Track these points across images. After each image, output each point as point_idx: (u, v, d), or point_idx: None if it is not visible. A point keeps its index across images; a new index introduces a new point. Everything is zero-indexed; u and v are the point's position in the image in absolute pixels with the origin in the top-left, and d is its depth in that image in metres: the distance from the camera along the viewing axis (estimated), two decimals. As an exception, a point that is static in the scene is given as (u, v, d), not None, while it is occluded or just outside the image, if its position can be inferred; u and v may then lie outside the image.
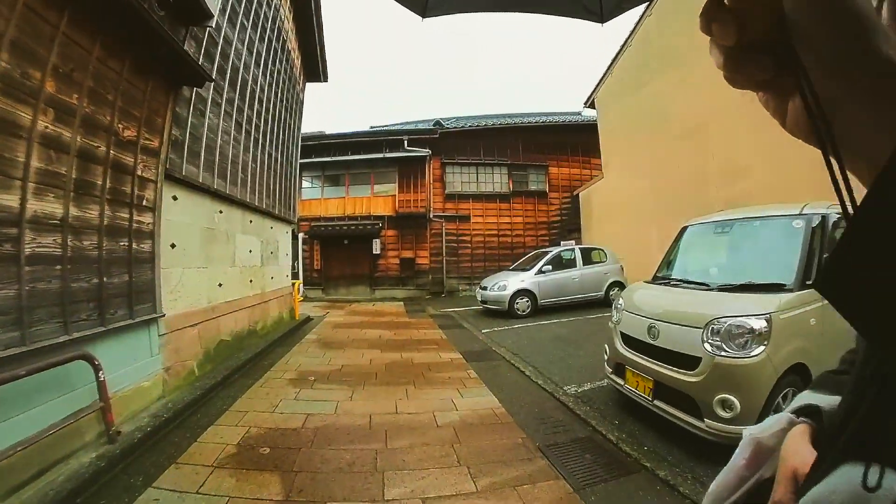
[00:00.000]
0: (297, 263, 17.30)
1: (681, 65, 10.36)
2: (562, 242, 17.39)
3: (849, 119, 0.34)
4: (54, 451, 3.25)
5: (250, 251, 7.51)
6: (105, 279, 3.79)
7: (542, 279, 11.55)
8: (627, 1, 1.75)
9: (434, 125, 17.94)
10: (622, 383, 4.36)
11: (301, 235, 17.34)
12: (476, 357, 6.94)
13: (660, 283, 4.95)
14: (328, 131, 18.76)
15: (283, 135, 9.48)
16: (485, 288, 11.70)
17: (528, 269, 11.86)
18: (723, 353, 3.24)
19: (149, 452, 3.62)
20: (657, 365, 3.83)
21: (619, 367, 4.44)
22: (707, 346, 3.37)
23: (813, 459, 0.53)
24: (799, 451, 0.57)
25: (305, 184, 18.26)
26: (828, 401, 0.61)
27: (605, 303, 12.20)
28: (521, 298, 11.16)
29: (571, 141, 19.48)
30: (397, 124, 17.99)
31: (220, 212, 6.35)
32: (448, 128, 18.12)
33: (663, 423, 3.77)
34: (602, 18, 1.68)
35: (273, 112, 8.68)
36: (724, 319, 3.31)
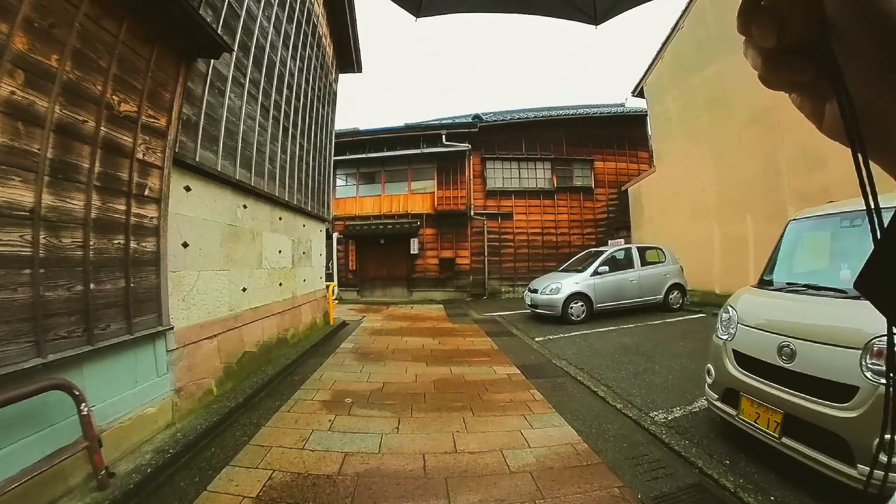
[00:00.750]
0: (332, 264, 16.77)
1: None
2: (609, 242, 16.48)
3: (889, 124, 0.35)
4: (28, 501, 2.52)
5: (280, 251, 6.79)
6: (93, 286, 3.05)
7: (598, 281, 10.49)
8: (621, 4, 1.69)
9: (473, 118, 17.04)
10: (735, 414, 3.36)
11: (335, 235, 16.78)
12: (536, 372, 5.99)
13: (776, 289, 3.87)
14: (362, 128, 18.12)
15: (316, 126, 8.77)
16: (535, 291, 10.70)
17: (582, 271, 10.82)
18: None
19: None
20: (790, 394, 2.90)
21: (731, 395, 3.46)
22: (868, 372, 2.48)
23: None
24: None
25: (340, 182, 17.72)
26: None
27: (664, 307, 11.18)
28: (576, 302, 10.13)
29: (618, 133, 18.40)
30: (433, 120, 17.22)
31: (245, 206, 5.62)
32: (487, 121, 17.19)
33: (790, 465, 2.88)
34: (596, 21, 1.66)
35: (304, 100, 7.95)
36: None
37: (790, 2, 0.34)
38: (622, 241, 15.91)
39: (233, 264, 5.29)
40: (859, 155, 0.35)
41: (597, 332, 8.96)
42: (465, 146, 16.51)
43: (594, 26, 1.69)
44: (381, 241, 16.82)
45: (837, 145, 0.37)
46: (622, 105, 18.64)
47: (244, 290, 5.54)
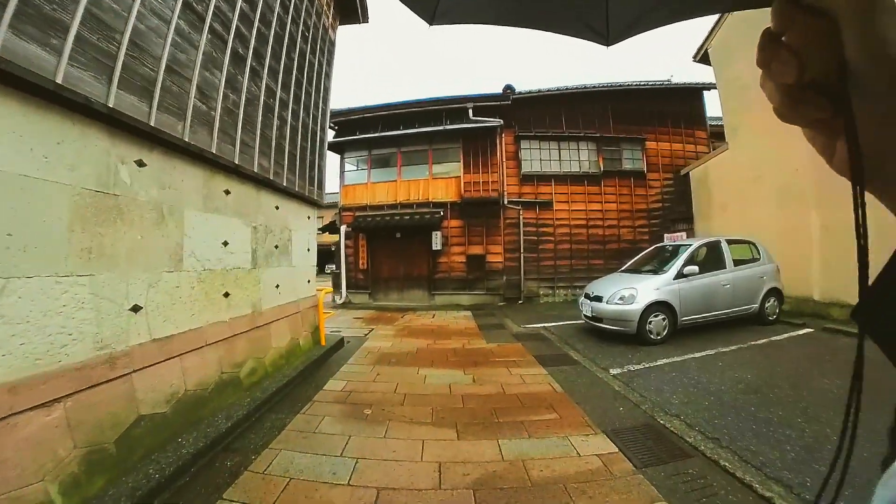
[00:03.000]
0: (340, 262, 14.52)
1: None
2: (666, 236, 13.84)
3: None
4: None
5: (225, 244, 4.38)
6: None
7: (684, 286, 7.84)
8: (635, 26, 1.61)
9: (505, 89, 14.46)
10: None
11: (343, 228, 14.47)
12: (643, 448, 3.54)
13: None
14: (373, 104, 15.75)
15: (300, 74, 6.36)
16: (597, 298, 8.08)
17: (657, 272, 8.23)
18: None
19: None
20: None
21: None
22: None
23: None
24: None
25: (349, 167, 15.42)
26: None
27: (758, 319, 8.62)
28: (656, 315, 7.51)
29: (671, 109, 15.64)
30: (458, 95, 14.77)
31: (140, 164, 3.24)
32: (522, 93, 14.58)
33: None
34: (608, 41, 1.60)
35: (281, 33, 5.58)
36: None
37: (811, 41, 0.36)
38: (683, 234, 13.34)
39: (107, 264, 2.91)
40: (859, 195, 0.37)
41: (692, 358, 6.45)
42: (496, 121, 13.94)
43: (606, 47, 1.65)
44: (396, 234, 14.40)
45: None
46: (668, 81, 15.89)
47: (135, 309, 3.16)
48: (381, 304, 14.06)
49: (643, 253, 10.06)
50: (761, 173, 11.11)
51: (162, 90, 3.39)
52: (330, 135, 15.14)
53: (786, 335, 7.78)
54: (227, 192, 4.45)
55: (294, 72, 6.12)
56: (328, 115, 7.96)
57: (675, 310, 7.65)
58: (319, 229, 21.56)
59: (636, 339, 7.41)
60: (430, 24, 1.64)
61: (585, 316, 8.42)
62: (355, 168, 15.52)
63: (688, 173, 15.08)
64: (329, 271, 16.26)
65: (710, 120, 16.15)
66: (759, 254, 9.00)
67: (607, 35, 1.59)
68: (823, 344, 7.12)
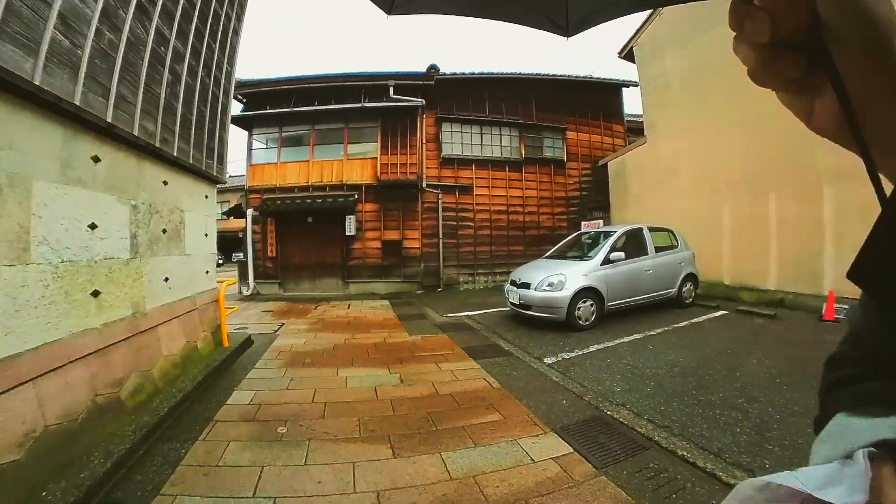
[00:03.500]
0: (246, 249, 13.23)
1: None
2: (584, 223, 14.22)
3: (880, 118, 0.36)
4: None
5: (93, 227, 3.39)
6: None
7: (611, 272, 7.94)
8: (594, 18, 1.64)
9: (429, 69, 13.79)
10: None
11: (250, 212, 13.14)
12: (596, 443, 3.42)
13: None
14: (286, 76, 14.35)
15: (205, 27, 5.29)
16: (525, 285, 7.85)
17: (584, 258, 8.24)
18: None
19: None
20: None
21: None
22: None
23: None
24: None
25: (257, 144, 14.01)
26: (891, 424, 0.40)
27: (676, 302, 9.04)
28: (584, 301, 7.51)
29: (591, 102, 16.22)
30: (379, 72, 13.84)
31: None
32: (446, 74, 14.01)
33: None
34: (567, 33, 1.64)
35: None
36: None
37: None
38: (600, 222, 13.87)
39: None
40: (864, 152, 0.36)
41: (623, 343, 6.53)
42: (418, 101, 13.27)
43: (566, 38, 1.70)
44: (308, 219, 13.30)
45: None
46: (589, 77, 16.29)
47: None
48: (292, 295, 12.96)
49: (567, 239, 10.08)
50: (677, 167, 11.73)
51: (5, 10, 2.41)
52: (237, 108, 13.73)
53: (704, 317, 8.20)
54: (97, 160, 3.43)
55: (195, 19, 5.05)
56: (234, 79, 6.84)
57: (602, 295, 7.72)
58: (223, 213, 19.53)
59: (565, 325, 7.37)
60: (388, 14, 1.60)
61: (512, 303, 8.21)
62: (264, 146, 14.08)
63: (606, 164, 15.59)
64: (236, 260, 14.75)
65: (626, 116, 17.07)
66: (676, 241, 9.43)
67: (567, 26, 1.61)
68: (740, 324, 7.62)
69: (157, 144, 4.32)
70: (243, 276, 13.43)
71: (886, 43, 0.33)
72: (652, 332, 7.07)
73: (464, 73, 14.39)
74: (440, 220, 13.84)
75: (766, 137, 9.05)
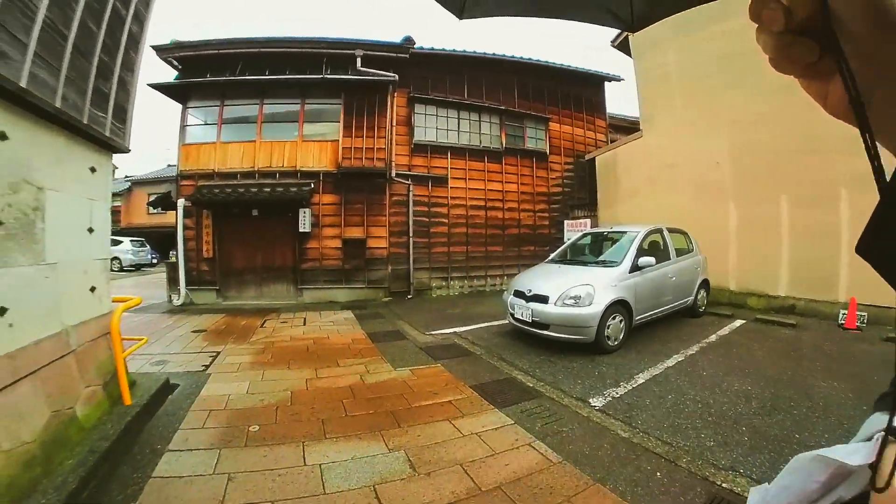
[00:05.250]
0: (176, 248, 10.92)
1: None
2: (566, 222, 13.08)
3: (884, 101, 0.38)
4: None
5: None
6: None
7: (639, 280, 6.54)
8: (659, 11, 1.65)
9: (403, 41, 11.78)
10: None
11: (181, 202, 10.79)
12: None
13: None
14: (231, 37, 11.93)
15: None
16: (539, 299, 6.14)
17: (610, 264, 6.70)
18: None
19: None
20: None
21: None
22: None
23: None
24: None
25: (193, 119, 11.55)
26: None
27: (690, 312, 8.12)
28: (614, 317, 6.00)
29: (575, 93, 15.01)
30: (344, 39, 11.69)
31: None
32: (423, 49, 12.08)
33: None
34: (633, 27, 1.61)
35: None
36: None
37: None
38: (587, 221, 12.60)
39: None
40: (867, 137, 0.38)
41: (668, 368, 5.30)
42: (390, 76, 11.22)
43: (632, 33, 2.32)
44: (253, 211, 11.00)
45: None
46: (574, 67, 15.01)
47: None
48: (233, 305, 10.61)
49: (572, 240, 8.52)
50: (677, 162, 10.92)
51: None
52: (171, 75, 11.32)
53: (727, 329, 7.31)
54: None
55: None
56: (153, 4, 4.68)
57: (631, 308, 6.26)
58: (149, 204, 16.42)
59: (594, 347, 5.82)
60: (460, 18, 1.62)
61: (519, 321, 6.51)
62: (202, 122, 11.60)
63: (592, 159, 14.55)
64: (167, 261, 12.23)
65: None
66: (692, 244, 8.35)
67: (632, 20, 1.58)
68: (769, 337, 6.82)
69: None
70: (173, 282, 11.01)
71: (889, 26, 0.35)
72: (689, 351, 5.94)
73: (443, 50, 12.51)
74: (410, 216, 11.92)
75: (775, 137, 8.48)
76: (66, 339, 3.24)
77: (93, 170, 3.71)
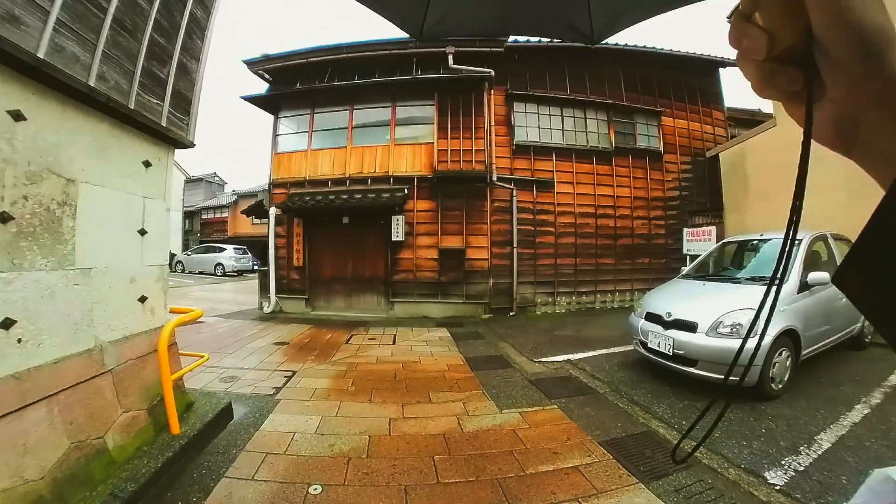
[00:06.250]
0: (267, 256, 11.06)
1: None
2: (686, 231, 11.54)
3: (871, 128, 0.38)
4: None
5: None
6: None
7: (810, 303, 5.05)
8: (618, 23, 1.68)
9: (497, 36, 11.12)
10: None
11: (273, 210, 10.93)
12: None
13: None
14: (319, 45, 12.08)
15: None
16: (683, 325, 4.89)
17: (767, 282, 5.23)
18: None
19: None
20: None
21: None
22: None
23: None
24: None
25: (284, 129, 11.80)
26: None
27: (854, 343, 6.32)
28: (780, 352, 4.62)
29: (688, 82, 13.28)
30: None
31: None
32: (518, 41, 11.33)
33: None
34: (593, 40, 1.68)
35: None
36: None
37: (778, 14, 0.37)
38: (713, 229, 10.80)
39: None
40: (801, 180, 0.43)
41: (854, 426, 3.92)
42: (485, 71, 10.60)
43: (591, 46, 1.82)
44: (344, 219, 10.91)
45: None
46: (687, 52, 13.36)
47: None
48: (321, 316, 10.52)
49: (708, 251, 7.09)
50: (825, 154, 8.53)
51: None
52: (262, 87, 11.73)
53: None
54: None
55: None
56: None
57: (799, 339, 4.81)
58: (243, 212, 17.43)
59: (756, 392, 4.47)
60: (419, 39, 1.66)
61: (653, 352, 5.30)
62: (293, 131, 11.83)
63: (714, 156, 12.67)
64: (264, 268, 12.64)
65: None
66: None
67: (591, 34, 1.63)
68: None
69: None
70: (264, 289, 11.20)
71: (878, 55, 0.34)
72: (873, 399, 4.50)
73: (540, 41, 11.64)
74: (514, 224, 11.04)
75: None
76: (100, 357, 2.86)
77: (147, 164, 3.39)
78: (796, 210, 0.50)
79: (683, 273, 6.69)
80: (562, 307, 11.35)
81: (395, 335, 8.35)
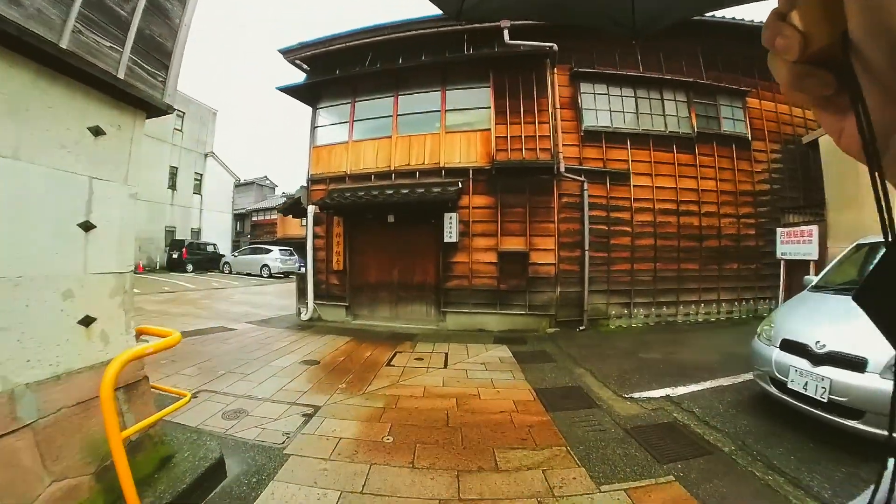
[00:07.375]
0: (305, 258, 10.40)
1: None
2: (780, 231, 9.92)
3: None
4: None
5: None
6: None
7: None
8: (661, 19, 1.71)
9: (558, 4, 9.96)
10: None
11: (311, 209, 10.18)
12: None
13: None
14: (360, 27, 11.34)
15: None
16: (842, 360, 3.48)
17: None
18: None
19: None
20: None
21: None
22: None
23: None
24: None
25: (322, 120, 11.10)
26: None
27: None
28: None
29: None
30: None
31: None
32: (583, 11, 10.10)
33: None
34: (634, 35, 1.70)
35: None
36: None
37: (815, 15, 0.35)
38: (814, 229, 9.09)
39: None
40: (877, 174, 0.36)
41: None
42: (546, 45, 9.40)
43: (633, 41, 1.80)
44: (390, 217, 10.04)
45: None
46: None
47: None
48: (362, 325, 9.66)
49: (839, 257, 5.61)
50: None
51: None
52: (299, 77, 11.19)
53: None
54: None
55: None
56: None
57: None
58: (280, 211, 16.91)
59: None
60: (456, 19, 1.82)
61: (798, 396, 3.91)
62: (337, 121, 11.11)
63: (813, 142, 10.76)
64: (302, 271, 12.09)
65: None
66: None
67: (633, 28, 1.66)
68: None
69: None
70: (302, 294, 10.51)
71: None
72: None
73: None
74: (586, 223, 9.78)
75: None
76: (9, 406, 1.97)
77: (97, 132, 2.50)
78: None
79: (814, 283, 5.29)
80: (638, 320, 9.95)
81: (446, 354, 7.28)
